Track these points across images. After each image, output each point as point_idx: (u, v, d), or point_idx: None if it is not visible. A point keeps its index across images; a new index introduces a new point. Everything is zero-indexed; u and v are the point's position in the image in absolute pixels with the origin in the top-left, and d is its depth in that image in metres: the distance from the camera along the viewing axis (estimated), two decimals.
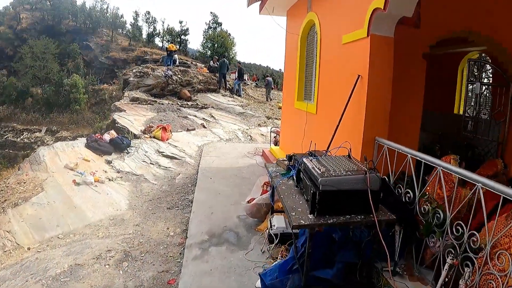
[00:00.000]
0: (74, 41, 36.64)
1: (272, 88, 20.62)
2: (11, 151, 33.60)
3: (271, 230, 3.51)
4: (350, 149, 2.73)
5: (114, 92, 29.70)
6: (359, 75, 3.57)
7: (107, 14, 40.35)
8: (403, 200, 3.11)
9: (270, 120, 12.81)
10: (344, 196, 2.29)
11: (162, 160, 7.24)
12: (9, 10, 38.28)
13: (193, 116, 11.76)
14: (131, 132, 9.18)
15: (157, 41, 42.85)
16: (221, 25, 42.38)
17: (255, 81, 37.83)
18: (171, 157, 7.41)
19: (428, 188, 3.18)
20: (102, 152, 7.11)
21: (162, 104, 12.66)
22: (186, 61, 24.72)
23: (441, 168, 2.68)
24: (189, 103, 13.57)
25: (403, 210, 2.93)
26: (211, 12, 42.06)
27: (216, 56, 21.39)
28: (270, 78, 20.27)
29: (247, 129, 10.91)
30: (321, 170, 2.34)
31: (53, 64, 33.68)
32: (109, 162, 6.82)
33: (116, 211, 5.09)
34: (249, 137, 9.94)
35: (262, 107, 14.87)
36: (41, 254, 4.22)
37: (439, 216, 2.71)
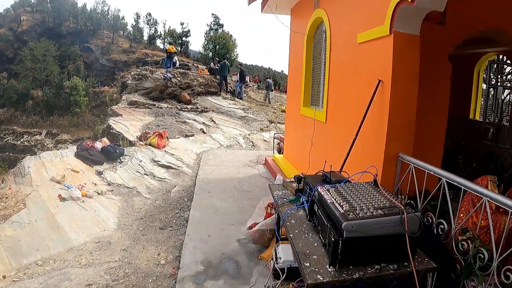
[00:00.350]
0: (74, 43, 36.31)
1: (272, 90, 20.10)
2: (11, 154, 33.32)
3: (277, 263, 2.97)
4: (376, 175, 2.19)
5: (114, 95, 29.24)
6: (379, 80, 3.02)
7: (108, 16, 39.96)
8: (435, 232, 2.57)
9: (273, 124, 12.27)
10: (374, 243, 1.75)
11: (158, 170, 6.72)
12: (9, 12, 38.01)
13: (192, 121, 11.24)
14: (126, 138, 8.67)
15: (158, 42, 42.49)
16: (222, 27, 41.94)
17: (257, 83, 37.33)
18: (167, 167, 6.89)
19: (461, 215, 2.65)
20: (92, 162, 6.60)
21: (161, 108, 12.15)
22: (187, 63, 24.28)
23: (487, 199, 2.14)
24: (189, 106, 13.06)
25: (437, 246, 2.39)
26: (212, 14, 41.60)
27: (217, 58, 20.89)
28: (270, 80, 19.75)
29: (249, 135, 10.38)
30: (344, 207, 1.80)
31: (53, 67, 33.32)
32: (99, 173, 6.30)
33: (103, 232, 4.56)
34: (251, 143, 9.41)
35: (264, 110, 14.34)
36: (17, 285, 3.71)
37: (482, 257, 2.17)
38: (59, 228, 4.59)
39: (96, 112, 33.34)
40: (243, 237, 3.81)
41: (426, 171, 2.61)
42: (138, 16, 39.41)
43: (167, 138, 7.94)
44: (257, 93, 20.53)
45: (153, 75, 13.79)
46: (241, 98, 15.53)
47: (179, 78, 13.87)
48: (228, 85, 15.81)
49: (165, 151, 7.58)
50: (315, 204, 2.19)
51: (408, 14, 2.83)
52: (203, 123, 11.28)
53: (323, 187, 2.13)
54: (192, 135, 9.16)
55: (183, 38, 41.55)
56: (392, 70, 2.91)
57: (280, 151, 8.03)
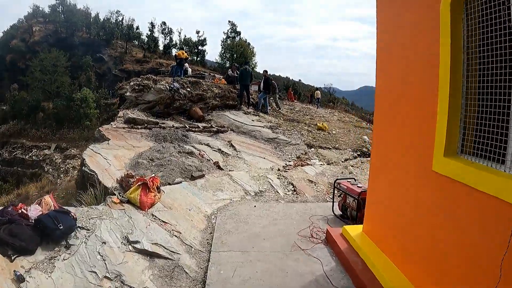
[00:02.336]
0: (87, 53, 34.24)
1: (277, 93, 16.49)
2: (19, 169, 31.18)
3: None
4: None
5: None
6: None
7: (122, 26, 37.91)
8: None
9: (313, 149, 8.92)
10: None
11: (132, 264, 3.47)
12: (22, 23, 36.56)
13: (204, 147, 8.04)
14: (101, 183, 5.53)
15: (174, 52, 40.09)
16: (239, 34, 39.22)
17: (276, 92, 34.14)
18: (151, 255, 3.63)
19: None
20: (14, 249, 3.43)
21: (163, 128, 9.02)
22: (203, 73, 21.29)
23: None
24: (201, 124, 9.90)
25: None
26: (229, 21, 38.93)
27: (236, 64, 17.77)
28: (274, 82, 16.33)
29: (284, 169, 7.07)
30: None
31: (64, 78, 31.21)
32: (20, 279, 3.12)
33: None
34: (290, 185, 6.07)
35: (296, 127, 11.01)
36: None
37: None
38: None
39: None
40: None
41: None
42: (152, 25, 37.19)
43: (157, 189, 4.69)
44: (281, 105, 17.28)
45: (157, 85, 10.75)
46: (266, 113, 12.28)
47: (189, 89, 10.77)
48: (251, 96, 12.59)
49: (152, 215, 4.32)
50: None
51: None
52: (219, 149, 8.05)
53: None
54: (202, 176, 5.89)
55: (199, 47, 39.09)
56: None
57: (346, 210, 4.68)
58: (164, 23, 36.86)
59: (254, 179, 6.21)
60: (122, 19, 37.48)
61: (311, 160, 8.07)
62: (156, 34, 37.30)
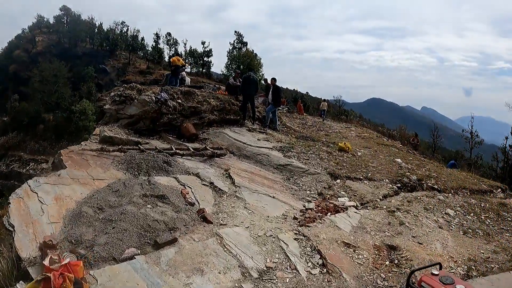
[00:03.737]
0: (90, 64, 32.73)
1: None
2: (16, 182, 29.21)
3: None
4: None
5: None
6: None
7: (127, 37, 36.48)
8: None
9: (338, 181, 6.54)
10: None
11: None
12: (26, 33, 35.46)
13: (191, 179, 5.78)
14: (15, 249, 3.31)
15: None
16: (246, 45, 37.40)
17: (285, 104, 31.86)
18: None
19: None
20: None
21: (141, 151, 6.79)
22: (208, 84, 19.21)
23: None
24: (192, 145, 7.64)
25: None
26: (235, 31, 37.21)
27: (238, 70, 15.57)
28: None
29: (303, 217, 4.73)
30: None
31: (64, 89, 29.61)
32: None
33: None
34: (316, 255, 3.73)
35: (312, 148, 8.64)
36: None
37: None
38: None
39: None
40: None
41: None
42: (158, 36, 35.65)
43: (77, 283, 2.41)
44: (292, 119, 15.00)
45: (141, 96, 8.58)
46: (275, 129, 9.98)
47: (180, 100, 8.56)
48: (256, 109, 10.31)
49: None
50: None
51: None
52: (211, 184, 5.75)
53: None
54: (173, 241, 3.55)
55: (205, 58, 37.34)
56: None
57: None
58: (169, 33, 35.34)
59: (258, 242, 3.87)
60: (127, 30, 36.07)
61: (339, 199, 5.70)
62: (161, 45, 35.72)
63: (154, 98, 8.43)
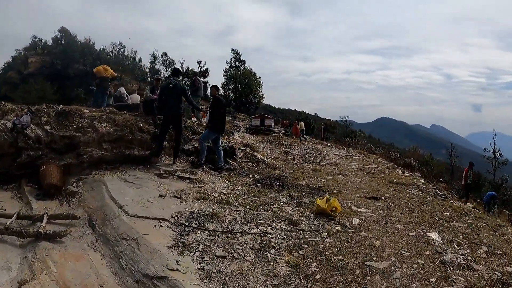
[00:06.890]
0: (81, 85, 30.35)
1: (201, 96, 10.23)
2: None
3: None
4: None
5: None
6: None
7: (124, 57, 34.23)
8: None
9: None
10: None
11: None
12: (20, 55, 33.89)
13: None
14: None
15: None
16: (244, 63, 34.46)
17: (286, 127, 28.07)
18: None
19: None
20: None
21: None
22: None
23: None
24: (45, 206, 3.96)
25: None
26: (232, 49, 34.48)
27: (158, 76, 12.01)
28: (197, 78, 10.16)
29: None
30: None
31: None
32: None
33: None
34: None
35: (264, 209, 4.71)
36: None
37: None
38: None
39: None
40: None
41: None
42: (154, 56, 33.25)
43: None
44: (276, 145, 11.19)
45: None
46: (218, 169, 6.14)
47: (48, 127, 4.99)
48: (185, 135, 6.43)
49: None
50: None
51: None
52: None
53: None
54: None
55: (201, 78, 34.52)
56: None
57: None
58: (165, 54, 32.86)
59: None
60: (123, 51, 33.87)
61: None
62: (157, 66, 33.23)
63: (9, 125, 4.86)
